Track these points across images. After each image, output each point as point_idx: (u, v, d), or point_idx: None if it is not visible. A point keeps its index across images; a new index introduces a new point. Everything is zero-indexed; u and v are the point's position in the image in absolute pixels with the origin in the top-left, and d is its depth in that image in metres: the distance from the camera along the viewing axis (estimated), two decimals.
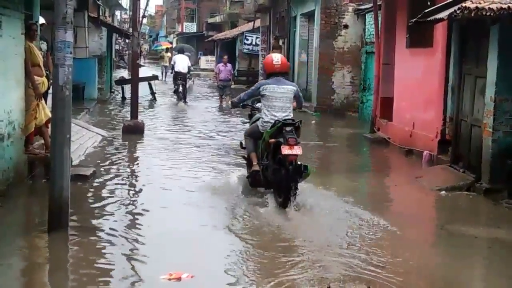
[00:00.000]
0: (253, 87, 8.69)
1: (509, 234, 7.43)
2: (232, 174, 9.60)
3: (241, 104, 9.03)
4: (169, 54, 35.26)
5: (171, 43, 55.12)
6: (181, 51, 25.92)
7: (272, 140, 7.93)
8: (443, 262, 6.40)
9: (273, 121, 8.13)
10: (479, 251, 7.04)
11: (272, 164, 8.00)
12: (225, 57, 25.28)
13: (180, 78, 22.64)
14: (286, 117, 8.16)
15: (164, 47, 38.40)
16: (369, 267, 5.84)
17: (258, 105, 8.82)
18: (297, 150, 7.63)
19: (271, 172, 7.99)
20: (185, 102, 22.43)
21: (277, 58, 8.67)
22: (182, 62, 23.01)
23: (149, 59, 61.33)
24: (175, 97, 23.02)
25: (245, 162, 8.90)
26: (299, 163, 7.75)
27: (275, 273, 5.59)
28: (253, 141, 8.56)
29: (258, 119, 8.54)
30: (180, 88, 22.61)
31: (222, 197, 8.30)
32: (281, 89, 8.34)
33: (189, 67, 23.30)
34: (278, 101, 8.29)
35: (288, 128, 7.84)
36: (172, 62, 24.94)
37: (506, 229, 7.60)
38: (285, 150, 7.60)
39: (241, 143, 9.29)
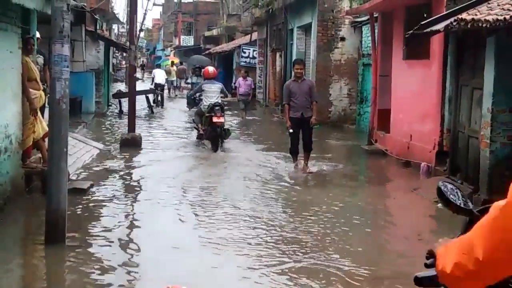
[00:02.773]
0: (198, 86, 15.83)
1: None
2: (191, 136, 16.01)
3: (193, 97, 16.09)
4: (175, 68, 34.98)
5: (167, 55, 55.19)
6: (199, 65, 26.49)
7: (208, 114, 14.04)
8: None
9: (208, 104, 14.14)
10: None
11: (208, 128, 14.03)
12: (243, 71, 25.29)
13: (159, 88, 27.16)
14: (216, 102, 14.15)
15: (169, 61, 38.17)
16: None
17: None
18: (221, 119, 13.79)
19: (208, 132, 14.04)
20: (162, 107, 26.65)
21: (211, 69, 15.60)
22: (160, 76, 28.20)
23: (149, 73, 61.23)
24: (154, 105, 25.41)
25: (196, 129, 15.30)
26: (224, 127, 14.13)
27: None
28: (199, 117, 14.85)
29: (201, 105, 14.65)
30: (159, 98, 26.90)
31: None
32: (212, 87, 14.56)
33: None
34: (211, 93, 14.40)
35: (216, 108, 13.90)
36: (152, 75, 29.80)
37: None
38: (214, 119, 13.76)
39: (193, 120, 16.19)
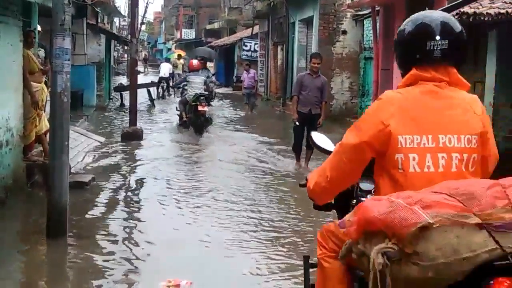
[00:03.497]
0: (183, 77, 17.70)
1: None
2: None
3: (178, 86, 18.03)
4: (182, 61, 34.70)
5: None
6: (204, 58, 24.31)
7: (193, 103, 15.15)
8: None
9: (193, 94, 15.39)
10: None
11: (193, 115, 15.27)
12: (246, 63, 25.11)
13: (163, 81, 28.96)
14: (201, 92, 15.46)
15: (176, 54, 37.96)
16: None
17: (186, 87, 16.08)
18: (205, 108, 15.13)
19: (192, 120, 15.32)
20: (169, 94, 29.08)
21: (195, 62, 17.28)
22: (164, 69, 29.57)
23: (152, 66, 61.08)
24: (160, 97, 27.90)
25: (179, 116, 16.49)
26: (207, 116, 15.38)
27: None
28: (183, 105, 15.93)
29: (185, 94, 15.88)
30: (161, 90, 28.71)
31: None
32: (197, 78, 15.95)
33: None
34: (196, 84, 15.78)
35: (201, 98, 15.21)
36: (159, 69, 31.39)
37: None
38: (199, 108, 14.98)
39: (176, 108, 17.16)
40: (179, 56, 34.89)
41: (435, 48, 2.63)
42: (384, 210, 2.22)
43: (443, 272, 2.15)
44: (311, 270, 3.17)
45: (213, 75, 22.04)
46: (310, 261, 3.18)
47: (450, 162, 2.58)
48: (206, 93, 15.65)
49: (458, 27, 2.69)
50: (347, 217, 2.42)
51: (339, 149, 2.72)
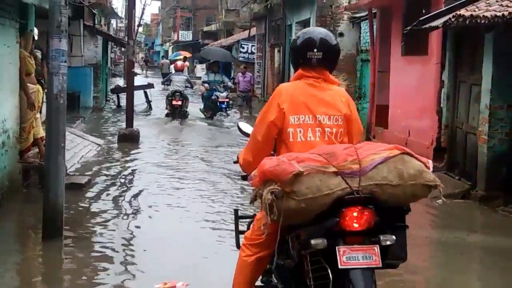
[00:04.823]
0: (168, 76, 21.37)
1: (505, 241, 7.43)
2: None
3: (165, 83, 21.42)
4: (187, 63, 34.20)
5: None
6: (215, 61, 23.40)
7: (170, 98, 19.34)
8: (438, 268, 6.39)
9: (172, 91, 19.47)
10: (472, 258, 7.04)
11: (171, 107, 19.42)
12: (242, 66, 25.02)
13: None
14: (177, 89, 19.30)
15: (181, 56, 37.74)
16: None
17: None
18: (178, 102, 19.06)
19: (171, 111, 19.43)
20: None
21: (179, 63, 21.82)
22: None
23: (151, 69, 60.83)
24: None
25: (166, 109, 20.09)
26: (183, 109, 19.35)
27: None
28: (167, 100, 19.92)
29: (168, 91, 20.30)
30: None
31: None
32: (178, 78, 19.94)
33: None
34: (177, 82, 19.66)
35: (176, 93, 19.15)
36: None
37: (501, 236, 7.60)
38: (173, 102, 19.14)
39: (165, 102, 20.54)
40: (185, 58, 34.81)
41: (313, 57, 3.74)
42: (273, 164, 3.25)
43: (311, 204, 3.17)
44: (240, 221, 4.33)
45: (232, 79, 22.98)
46: (239, 214, 4.33)
47: (324, 134, 3.67)
48: (182, 89, 19.46)
49: (332, 42, 3.84)
50: (253, 172, 3.41)
51: (254, 130, 3.86)
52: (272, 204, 3.15)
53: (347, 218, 3.21)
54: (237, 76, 24.31)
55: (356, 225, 3.22)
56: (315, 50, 3.72)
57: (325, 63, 3.77)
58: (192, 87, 20.80)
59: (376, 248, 3.25)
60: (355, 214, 3.21)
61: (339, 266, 3.20)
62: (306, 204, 3.16)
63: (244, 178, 4.01)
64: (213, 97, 20.36)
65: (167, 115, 19.73)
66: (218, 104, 20.31)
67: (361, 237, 3.25)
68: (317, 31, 3.87)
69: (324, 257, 3.26)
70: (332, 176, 3.21)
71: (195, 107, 21.32)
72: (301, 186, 3.16)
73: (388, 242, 3.27)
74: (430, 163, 3.55)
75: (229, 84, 21.71)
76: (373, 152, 3.33)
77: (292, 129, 3.66)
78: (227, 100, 20.48)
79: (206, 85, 20.88)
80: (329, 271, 3.24)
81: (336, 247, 3.22)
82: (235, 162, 4.16)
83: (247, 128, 4.37)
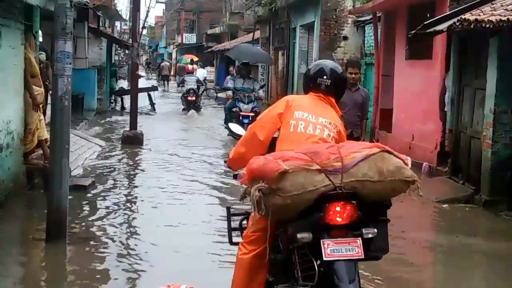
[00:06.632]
0: (182, 78, 25.99)
1: (508, 245, 7.42)
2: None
3: (180, 84, 25.72)
4: (195, 66, 33.85)
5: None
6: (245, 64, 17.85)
7: (186, 94, 23.47)
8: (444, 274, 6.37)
9: (186, 89, 23.54)
10: (475, 262, 7.03)
11: (186, 103, 23.55)
12: (231, 68, 25.22)
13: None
14: (191, 88, 23.37)
15: (188, 59, 37.52)
16: None
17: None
18: (193, 98, 23.19)
19: (186, 106, 23.57)
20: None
21: (190, 67, 27.36)
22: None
23: (153, 70, 60.75)
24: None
25: (183, 105, 24.03)
26: (197, 104, 23.57)
27: None
28: (182, 97, 24.23)
29: (184, 89, 24.13)
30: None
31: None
32: (191, 78, 24.31)
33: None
34: (189, 82, 23.83)
35: (191, 91, 23.30)
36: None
37: (505, 240, 7.59)
38: (188, 98, 23.29)
39: (181, 98, 24.79)
40: (192, 61, 34.74)
41: (322, 83, 4.22)
42: (260, 163, 3.53)
43: (297, 200, 3.42)
44: (232, 218, 4.48)
45: (261, 87, 18.18)
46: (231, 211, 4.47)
47: (323, 132, 4.04)
48: (194, 87, 23.64)
49: (339, 71, 4.34)
50: (241, 171, 3.79)
51: (255, 123, 4.29)
52: (260, 200, 3.41)
53: (330, 213, 3.48)
54: (226, 79, 24.15)
55: (339, 219, 3.48)
56: (325, 77, 4.21)
57: (333, 90, 4.24)
58: (203, 85, 25.16)
59: (359, 241, 3.51)
60: (338, 209, 3.48)
61: (324, 258, 3.46)
62: (292, 200, 3.41)
63: (235, 177, 4.24)
64: (234, 109, 15.52)
65: (183, 109, 23.59)
66: (241, 118, 15.22)
67: (344, 231, 3.51)
68: (328, 62, 4.41)
69: (311, 250, 3.53)
70: (316, 173, 3.47)
71: (214, 118, 21.15)
72: (287, 184, 3.41)
73: (370, 235, 3.54)
74: (409, 159, 3.76)
75: (260, 93, 16.92)
76: (354, 151, 3.58)
77: (294, 121, 4.05)
78: (252, 114, 15.16)
79: (229, 92, 16.37)
80: (315, 263, 3.52)
81: (321, 240, 3.47)
82: (225, 161, 4.47)
83: (238, 129, 4.69)
